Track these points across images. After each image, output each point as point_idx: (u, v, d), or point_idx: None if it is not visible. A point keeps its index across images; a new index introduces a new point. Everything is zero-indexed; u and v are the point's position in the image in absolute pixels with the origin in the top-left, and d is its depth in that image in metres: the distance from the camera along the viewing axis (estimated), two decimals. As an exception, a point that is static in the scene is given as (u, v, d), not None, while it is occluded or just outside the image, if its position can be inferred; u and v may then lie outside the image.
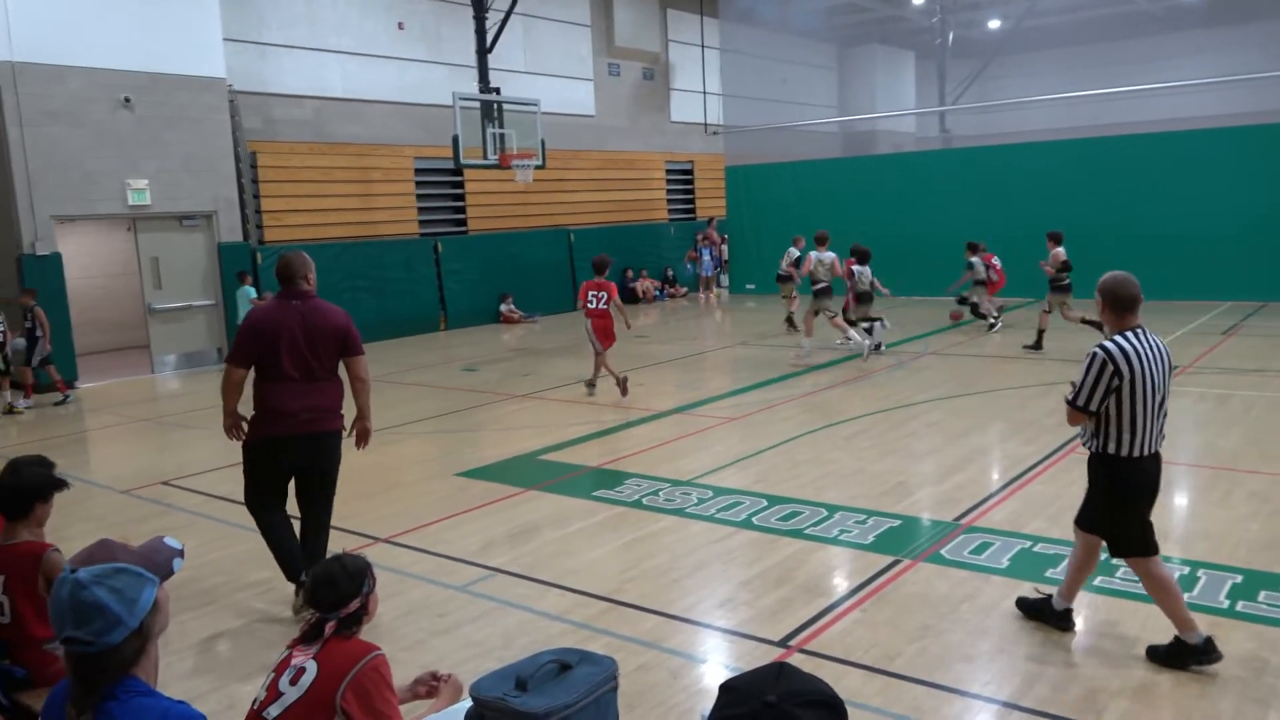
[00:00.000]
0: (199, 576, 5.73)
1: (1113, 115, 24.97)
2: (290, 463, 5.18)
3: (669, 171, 24.64)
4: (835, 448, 8.31)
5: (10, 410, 11.74)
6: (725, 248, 23.97)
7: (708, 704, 1.53)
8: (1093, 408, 4.17)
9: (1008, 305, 16.02)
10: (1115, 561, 4.74)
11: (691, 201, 25.47)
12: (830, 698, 1.46)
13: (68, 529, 6.22)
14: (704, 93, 24.82)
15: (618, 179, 22.89)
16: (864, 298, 13.46)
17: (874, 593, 5.15)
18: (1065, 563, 4.64)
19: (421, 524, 6.68)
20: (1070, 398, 4.24)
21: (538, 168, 17.72)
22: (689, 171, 25.32)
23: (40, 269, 13.18)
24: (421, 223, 18.74)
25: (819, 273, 13.08)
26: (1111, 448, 4.22)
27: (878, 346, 13.36)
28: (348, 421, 5.36)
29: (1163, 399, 4.22)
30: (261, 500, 5.27)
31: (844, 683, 4.13)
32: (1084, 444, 4.38)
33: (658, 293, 22.89)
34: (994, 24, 29.30)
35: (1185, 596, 4.85)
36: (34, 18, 12.88)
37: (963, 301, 16.21)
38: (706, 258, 23.46)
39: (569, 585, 5.43)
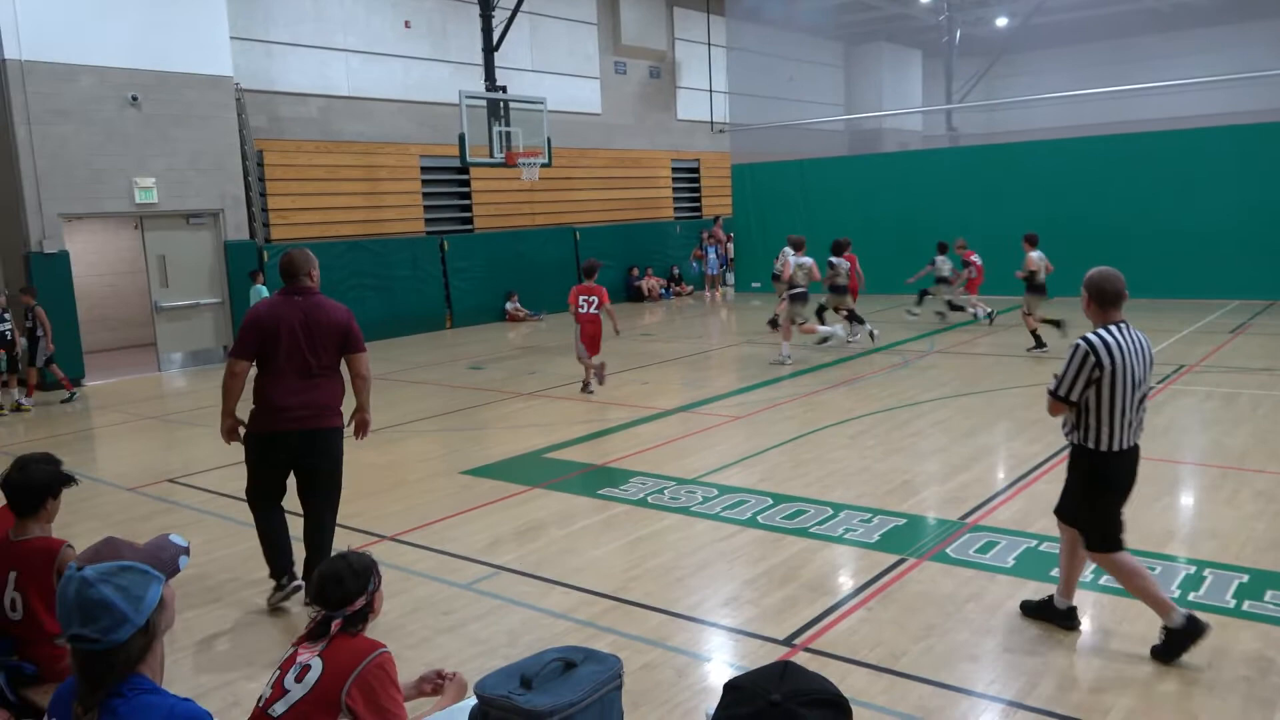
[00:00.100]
0: (205, 574, 5.75)
1: (1120, 113, 24.88)
2: (288, 458, 5.21)
3: (675, 170, 24.63)
4: (840, 446, 8.30)
5: (18, 408, 11.79)
6: (731, 246, 23.95)
7: (712, 702, 1.53)
8: (1073, 398, 4.25)
9: (1011, 304, 15.98)
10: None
11: (697, 200, 25.45)
12: (835, 696, 1.46)
13: (74, 526, 6.24)
14: (710, 91, 24.79)
15: (624, 177, 22.89)
16: (839, 289, 13.79)
17: (879, 591, 5.14)
18: (1072, 566, 4.65)
19: (427, 522, 6.69)
20: (1052, 388, 4.33)
21: (544, 166, 17.73)
22: (695, 170, 25.31)
23: (48, 267, 13.23)
24: (427, 221, 18.76)
25: (798, 277, 13.00)
26: (1092, 441, 4.30)
27: (871, 334, 13.69)
28: (348, 418, 5.38)
29: (1143, 394, 4.29)
30: (259, 494, 5.31)
31: (849, 681, 4.13)
32: (1066, 437, 4.47)
33: (663, 291, 22.89)
34: (1001, 22, 29.22)
35: (1191, 595, 4.86)
36: (42, 17, 12.92)
37: (923, 298, 16.26)
38: (712, 256, 23.44)
39: (574, 583, 5.44)
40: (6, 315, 11.66)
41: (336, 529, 5.47)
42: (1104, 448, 4.28)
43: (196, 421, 10.46)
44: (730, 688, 1.48)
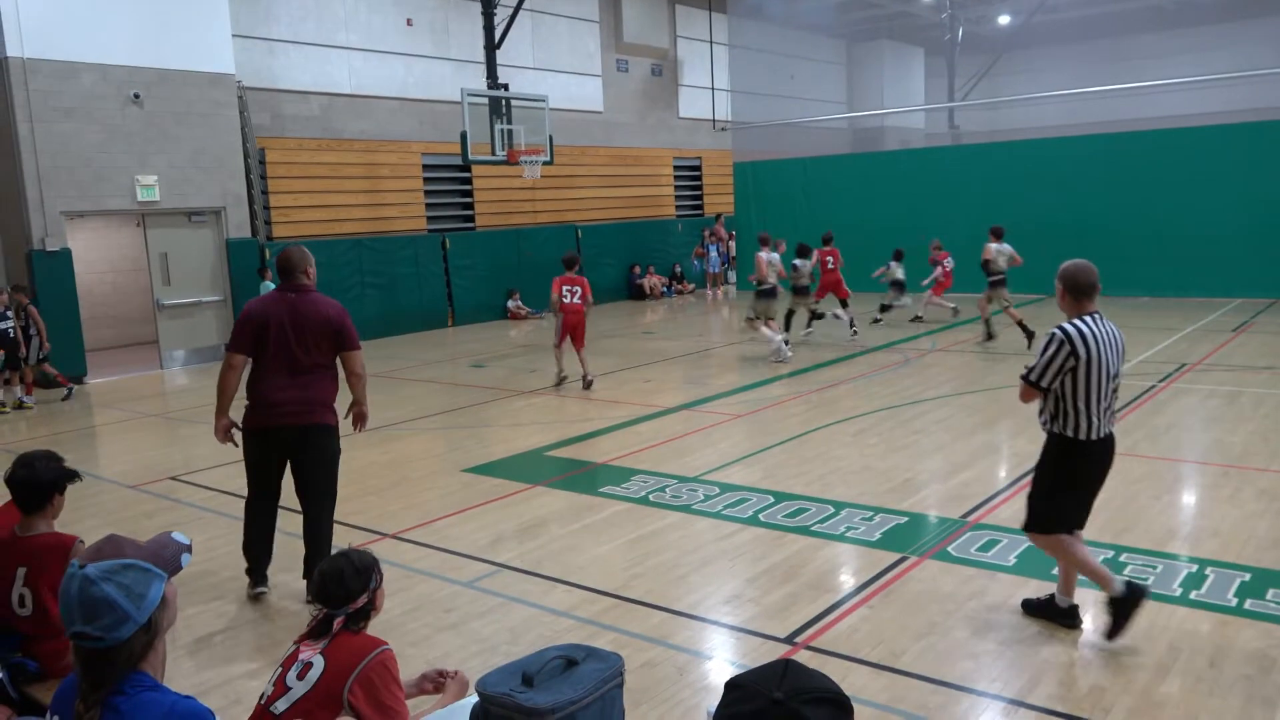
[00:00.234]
0: (206, 571, 5.75)
1: (1123, 111, 24.89)
2: (280, 454, 5.26)
3: (677, 168, 24.61)
4: (842, 444, 8.30)
5: (20, 406, 11.80)
6: (733, 244, 23.95)
7: (714, 700, 1.53)
8: (1044, 384, 4.35)
9: (1015, 302, 15.99)
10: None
11: (699, 198, 25.44)
12: (836, 694, 1.46)
13: (77, 524, 6.24)
14: (712, 89, 24.77)
15: (626, 175, 22.88)
16: (802, 291, 13.99)
17: (880, 589, 5.14)
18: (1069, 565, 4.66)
19: (428, 519, 6.69)
20: (1025, 373, 4.42)
21: (546, 164, 17.73)
22: (697, 168, 25.29)
23: (50, 265, 13.24)
24: (429, 219, 18.76)
25: (770, 276, 13.12)
26: (1070, 430, 4.38)
27: (851, 323, 14.04)
28: (345, 412, 5.40)
29: (1116, 384, 4.41)
30: (253, 491, 5.39)
31: (850, 679, 4.13)
32: (1043, 427, 4.53)
33: (665, 289, 22.88)
34: (1004, 19, 29.20)
35: (1193, 594, 4.87)
36: (45, 14, 12.92)
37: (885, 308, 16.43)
38: (714, 254, 23.44)
39: (575, 581, 5.44)
40: (9, 313, 11.67)
41: (338, 527, 5.48)
42: (1080, 436, 4.37)
43: (198, 419, 10.46)
44: (732, 686, 1.48)
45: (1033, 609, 4.72)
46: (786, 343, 13.02)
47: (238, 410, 5.34)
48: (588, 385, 11.31)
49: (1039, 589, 4.89)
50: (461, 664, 3.46)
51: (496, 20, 17.51)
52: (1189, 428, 8.54)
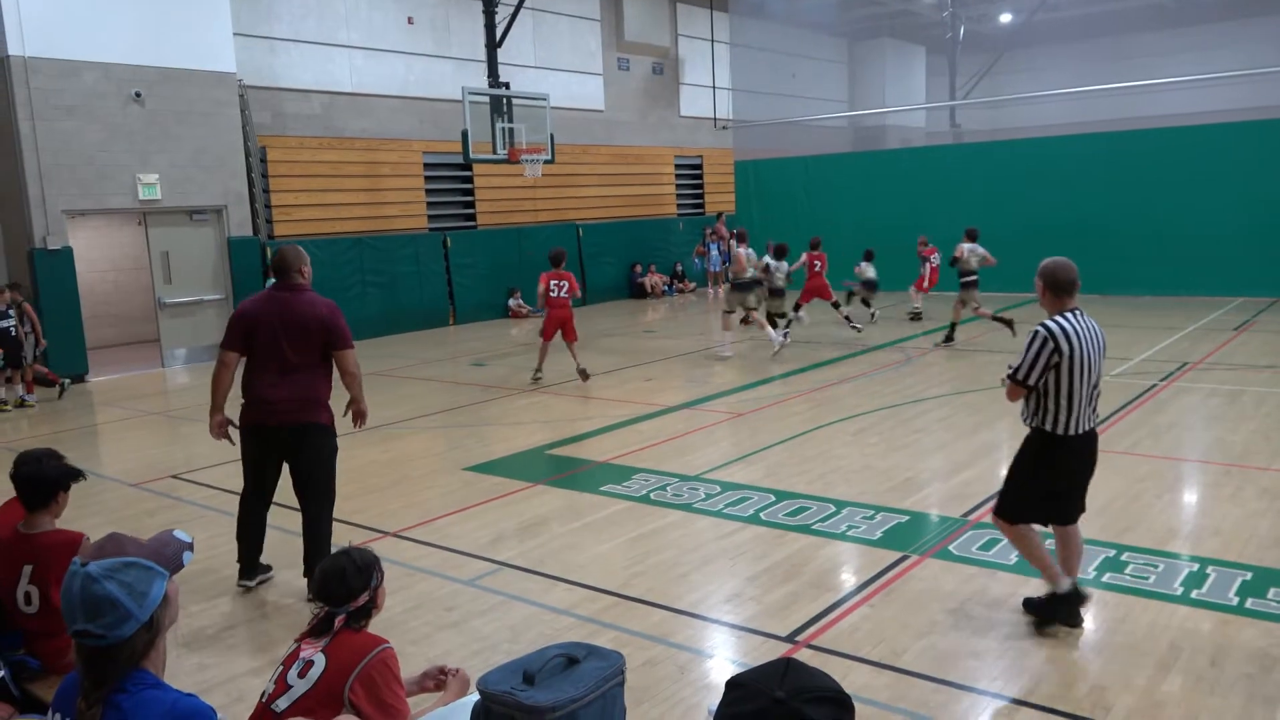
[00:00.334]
0: (208, 569, 5.76)
1: (1125, 110, 24.87)
2: (276, 453, 5.31)
3: (678, 166, 24.60)
4: (843, 443, 8.30)
5: (21, 404, 11.82)
6: (734, 243, 23.93)
7: (715, 699, 1.53)
8: (1031, 382, 4.40)
9: (1006, 302, 16.02)
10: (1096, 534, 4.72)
11: (700, 196, 25.43)
12: (838, 693, 1.46)
13: (78, 522, 6.23)
14: (713, 87, 24.76)
15: (627, 174, 22.87)
16: (777, 292, 14.06)
17: (882, 588, 5.14)
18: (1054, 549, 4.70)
19: (430, 518, 6.70)
20: (1010, 372, 4.47)
21: (547, 162, 17.72)
22: (698, 166, 25.28)
23: (52, 263, 13.24)
24: (430, 217, 18.76)
25: (748, 269, 13.27)
26: (1049, 424, 4.45)
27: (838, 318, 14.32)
28: (344, 410, 5.42)
29: (1097, 378, 4.47)
30: (247, 488, 5.46)
31: (851, 678, 4.13)
32: (1025, 421, 4.60)
33: (666, 288, 22.87)
34: (1005, 18, 29.18)
35: (1194, 593, 4.87)
36: (46, 13, 12.92)
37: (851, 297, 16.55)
38: (714, 253, 23.43)
39: (576, 580, 5.44)
40: (10, 311, 11.68)
41: (339, 525, 5.48)
42: (1059, 430, 4.43)
43: (200, 417, 10.38)
44: (733, 685, 1.48)
45: (1034, 607, 4.72)
46: (785, 334, 13.26)
47: (234, 408, 5.36)
48: (584, 377, 11.46)
49: (1040, 587, 4.88)
50: (462, 662, 3.46)
51: (497, 18, 17.50)
52: (1190, 426, 8.54)
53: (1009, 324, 13.03)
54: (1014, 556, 5.47)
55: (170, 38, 14.11)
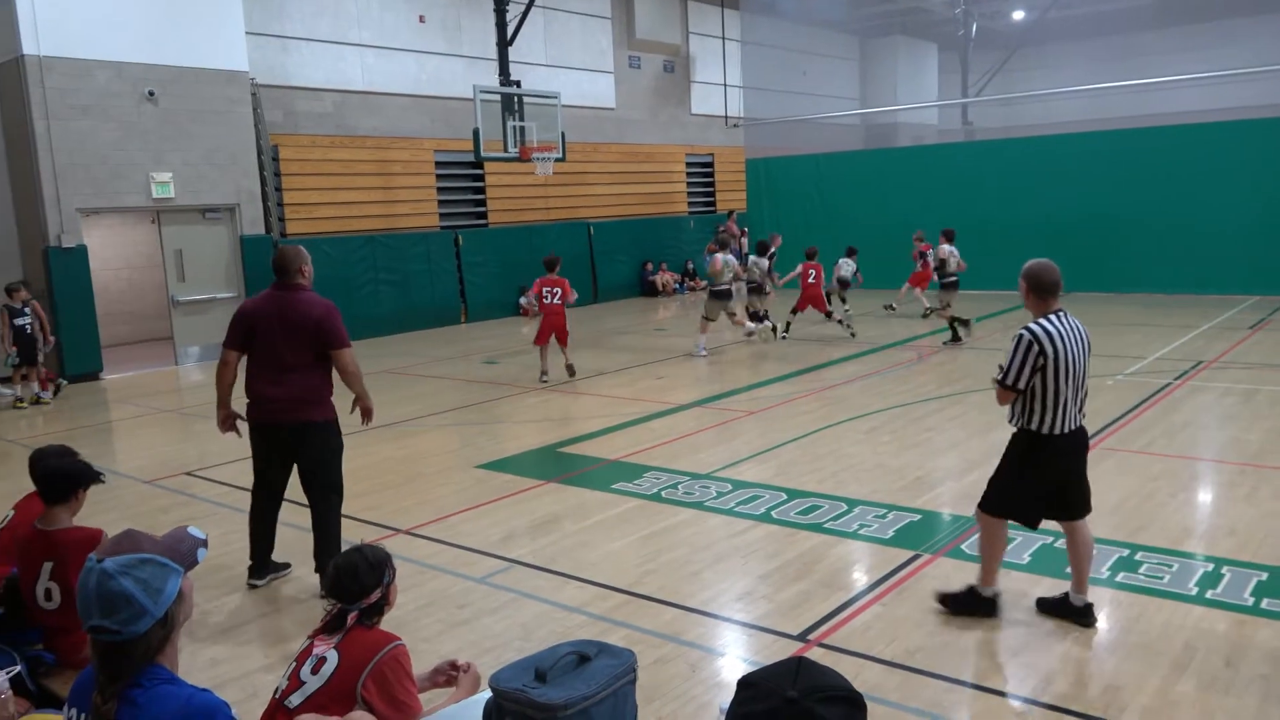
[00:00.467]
0: (222, 565, 5.79)
1: (1139, 107, 24.73)
2: (280, 451, 5.36)
3: (689, 164, 24.58)
4: (855, 442, 8.28)
5: (37, 401, 11.90)
6: (745, 241, 23.91)
7: (726, 697, 1.53)
8: (1020, 386, 4.43)
9: (1010, 303, 16.01)
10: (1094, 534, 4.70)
11: (712, 194, 25.41)
12: (850, 693, 1.46)
13: (94, 519, 6.27)
14: (724, 85, 24.74)
15: (638, 172, 22.87)
16: (756, 289, 14.33)
17: (894, 587, 5.13)
18: (1078, 559, 4.67)
19: (442, 516, 6.71)
20: (999, 377, 4.49)
21: (558, 160, 17.72)
22: (709, 164, 25.26)
23: (66, 261, 13.32)
24: (442, 215, 18.80)
25: (724, 274, 13.39)
26: (1034, 424, 4.48)
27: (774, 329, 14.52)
28: (349, 412, 5.46)
29: (1083, 379, 4.49)
30: (256, 483, 5.53)
31: (863, 677, 4.13)
32: (1010, 422, 4.62)
33: (677, 286, 22.86)
34: (1018, 15, 29.05)
35: (1209, 593, 4.84)
36: (60, 13, 12.99)
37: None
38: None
39: (588, 577, 5.45)
40: (26, 309, 11.77)
41: (352, 522, 5.50)
42: (1045, 430, 4.46)
43: (213, 415, 10.47)
44: (745, 684, 1.48)
45: (1047, 607, 4.70)
46: (767, 328, 13.77)
47: (241, 404, 5.42)
48: (571, 373, 11.75)
49: (1053, 587, 4.87)
50: (474, 660, 3.47)
51: (508, 17, 17.52)
52: (1205, 425, 8.49)
53: (956, 338, 13.33)
54: (1027, 556, 5.46)
55: (183, 37, 14.18)
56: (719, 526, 6.24)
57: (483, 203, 19.59)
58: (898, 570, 5.36)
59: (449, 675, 3.31)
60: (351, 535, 5.50)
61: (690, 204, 24.69)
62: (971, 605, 4.71)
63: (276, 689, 2.99)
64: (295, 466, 5.42)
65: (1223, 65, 21.68)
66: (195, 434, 10.01)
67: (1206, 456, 7.52)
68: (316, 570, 5.37)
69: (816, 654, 4.37)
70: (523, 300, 19.54)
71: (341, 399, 5.41)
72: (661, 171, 23.60)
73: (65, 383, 12.78)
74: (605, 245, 21.66)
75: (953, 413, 9.23)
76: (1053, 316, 4.44)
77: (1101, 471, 7.05)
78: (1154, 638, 4.40)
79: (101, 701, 2.03)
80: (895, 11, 28.88)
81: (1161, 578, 5.08)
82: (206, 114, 14.57)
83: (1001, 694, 4.02)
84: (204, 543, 2.22)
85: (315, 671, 2.92)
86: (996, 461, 4.73)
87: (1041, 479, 4.53)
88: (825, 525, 6.15)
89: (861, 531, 6.02)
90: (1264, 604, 4.72)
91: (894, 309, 16.82)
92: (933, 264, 14.64)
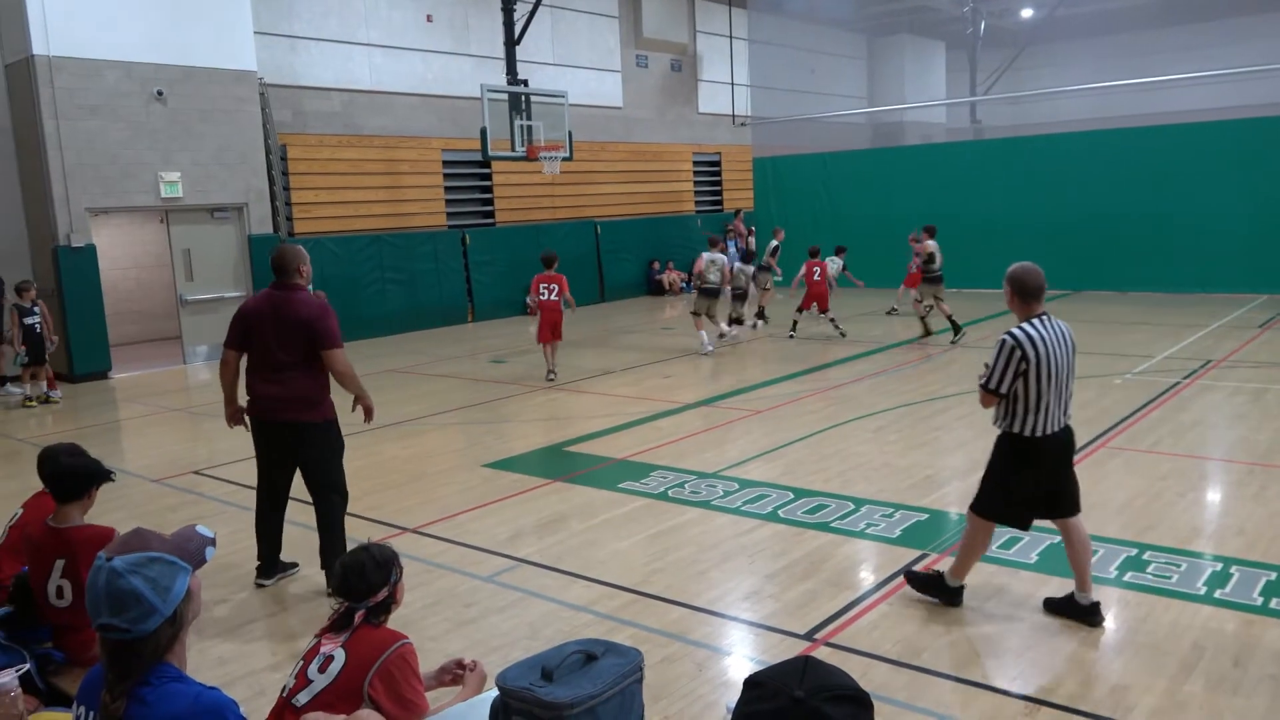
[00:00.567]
0: (230, 564, 5.80)
1: (1147, 105, 24.61)
2: (278, 450, 5.40)
3: (696, 163, 24.57)
4: (862, 441, 8.27)
5: (46, 400, 11.94)
6: (752, 240, 23.88)
7: (733, 696, 1.53)
8: (1003, 390, 4.48)
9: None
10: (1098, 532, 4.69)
11: (719, 193, 25.39)
12: (857, 692, 1.46)
13: (102, 517, 6.28)
14: (732, 84, 24.70)
15: (645, 171, 22.86)
16: (740, 295, 14.47)
17: (901, 586, 5.12)
18: (1076, 557, 4.67)
19: (449, 514, 6.72)
20: (984, 381, 4.52)
21: (565, 159, 17.72)
22: (716, 163, 25.24)
23: (75, 260, 13.37)
24: (449, 215, 18.81)
25: (709, 273, 13.43)
26: (1018, 427, 4.53)
27: (755, 326, 14.75)
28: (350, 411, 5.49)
29: (1068, 381, 4.54)
30: (259, 480, 5.57)
31: (870, 677, 4.12)
32: (995, 424, 4.65)
33: (684, 285, 22.83)
34: (1026, 13, 28.93)
35: (1217, 593, 4.82)
36: (69, 13, 13.04)
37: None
38: (733, 250, 23.38)
39: (595, 576, 5.45)
40: (36, 308, 11.81)
41: (359, 521, 5.51)
42: (1028, 433, 4.50)
43: (221, 414, 10.52)
44: (752, 684, 1.48)
45: (1054, 607, 4.70)
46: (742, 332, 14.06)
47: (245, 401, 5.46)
48: (550, 377, 11.79)
49: (1060, 586, 4.86)
50: (481, 658, 3.47)
51: (516, 16, 17.52)
52: (1214, 425, 8.46)
53: (924, 334, 13.71)
54: (1034, 555, 5.45)
55: (192, 36, 14.22)
56: (726, 525, 6.24)
57: (490, 202, 19.60)
58: (905, 569, 5.35)
59: (456, 674, 3.31)
60: (358, 534, 5.51)
61: (697, 203, 24.67)
62: (932, 588, 4.84)
63: (284, 687, 3.00)
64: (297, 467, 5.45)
65: (1232, 63, 21.55)
66: (203, 433, 10.04)
67: (1215, 456, 7.49)
68: (323, 568, 5.38)
69: (823, 653, 4.37)
70: (529, 299, 19.55)
71: (343, 399, 5.42)
72: (668, 170, 23.59)
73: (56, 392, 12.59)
74: (612, 244, 21.66)
75: (960, 412, 9.21)
76: (1036, 321, 4.48)
77: (1109, 471, 7.04)
78: (1162, 637, 4.39)
79: (110, 699, 2.04)
80: (903, 10, 28.78)
81: (1169, 577, 5.07)
82: (215, 114, 14.61)
83: (1008, 693, 4.01)
84: (212, 541, 2.23)
85: (323, 670, 2.93)
86: (1001, 461, 4.73)
87: (1028, 481, 4.58)
88: (832, 524, 6.14)
89: (869, 531, 6.01)
90: (1273, 604, 4.70)
91: (896, 311, 16.72)
92: (920, 260, 14.60)
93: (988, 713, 3.89)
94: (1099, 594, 4.65)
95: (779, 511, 6.43)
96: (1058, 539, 5.61)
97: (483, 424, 9.78)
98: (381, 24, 17.29)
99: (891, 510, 6.36)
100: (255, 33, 15.10)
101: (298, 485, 5.49)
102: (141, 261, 17.71)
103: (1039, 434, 4.49)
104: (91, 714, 2.12)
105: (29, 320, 11.69)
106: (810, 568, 5.44)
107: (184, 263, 14.74)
